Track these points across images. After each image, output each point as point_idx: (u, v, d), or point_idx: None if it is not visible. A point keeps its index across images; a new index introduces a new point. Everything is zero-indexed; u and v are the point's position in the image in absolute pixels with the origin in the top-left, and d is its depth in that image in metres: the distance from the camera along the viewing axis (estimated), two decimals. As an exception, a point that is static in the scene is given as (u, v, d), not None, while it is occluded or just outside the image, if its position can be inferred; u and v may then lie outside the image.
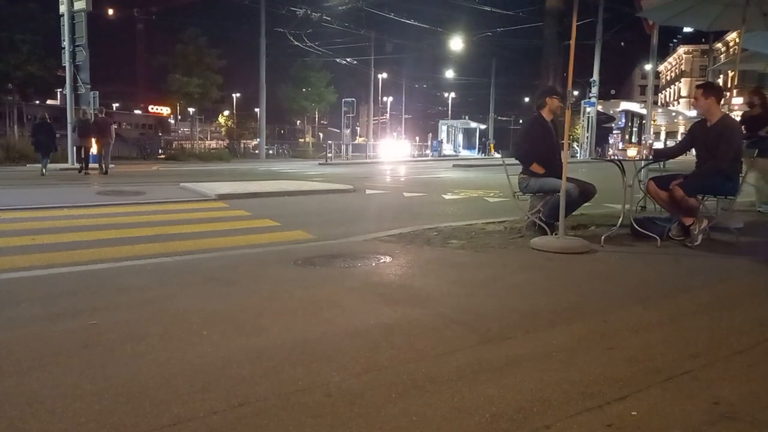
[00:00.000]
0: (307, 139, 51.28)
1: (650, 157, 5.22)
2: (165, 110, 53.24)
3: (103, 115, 17.26)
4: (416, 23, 33.75)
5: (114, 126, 17.40)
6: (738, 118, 6.57)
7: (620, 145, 5.37)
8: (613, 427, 1.77)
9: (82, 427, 1.74)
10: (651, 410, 1.88)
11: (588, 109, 34.22)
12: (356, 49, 42.73)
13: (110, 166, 16.69)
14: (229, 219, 7.18)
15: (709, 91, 4.99)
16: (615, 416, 1.84)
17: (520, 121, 48.04)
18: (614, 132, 35.52)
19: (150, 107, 56.40)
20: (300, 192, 10.60)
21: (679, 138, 35.51)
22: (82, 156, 16.56)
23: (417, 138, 52.96)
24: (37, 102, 39.23)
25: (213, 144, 45.47)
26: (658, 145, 31.72)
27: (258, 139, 38.86)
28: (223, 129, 67.08)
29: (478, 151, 46.56)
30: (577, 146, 36.20)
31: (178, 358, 2.28)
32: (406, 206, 9.04)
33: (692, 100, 5.36)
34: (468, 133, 49.13)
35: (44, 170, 15.28)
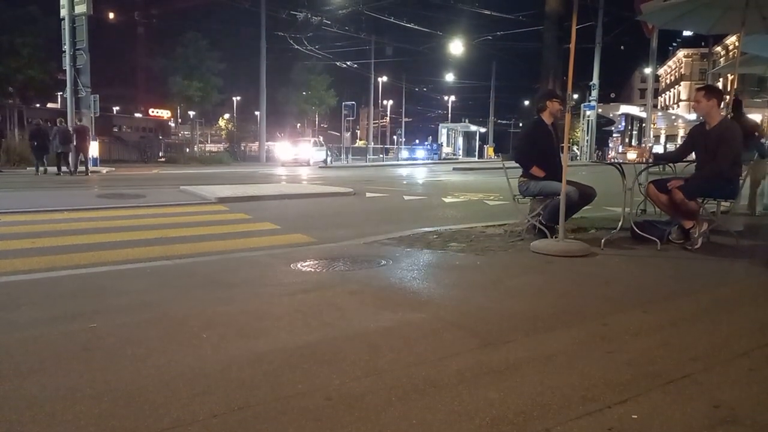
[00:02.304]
0: (307, 142, 51.22)
1: (650, 160, 5.21)
2: (165, 113, 53.24)
3: (82, 123, 18.91)
4: (416, 27, 33.82)
5: (91, 132, 19.05)
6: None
7: (620, 149, 5.38)
8: (613, 430, 1.77)
9: (81, 431, 1.73)
10: (651, 414, 1.88)
11: (588, 113, 34.32)
12: (356, 52, 42.88)
13: (85, 168, 18.02)
14: (229, 222, 7.18)
15: (710, 93, 4.98)
16: (615, 420, 1.83)
17: (520, 125, 48.19)
18: (614, 135, 35.64)
19: (150, 110, 56.40)
20: (300, 195, 10.61)
21: (679, 141, 35.59)
22: (65, 160, 17.87)
23: (417, 140, 53.04)
24: (38, 105, 39.25)
25: (213, 147, 45.46)
26: (658, 148, 31.77)
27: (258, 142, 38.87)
28: (223, 132, 67.09)
29: (478, 155, 46.59)
30: (577, 149, 36.24)
31: (178, 362, 2.28)
32: (406, 209, 9.05)
33: (693, 102, 5.35)
34: (468, 137, 49.18)
35: (40, 171, 17.03)
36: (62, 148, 17.33)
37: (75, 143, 17.62)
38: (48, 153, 17.55)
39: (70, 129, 18.06)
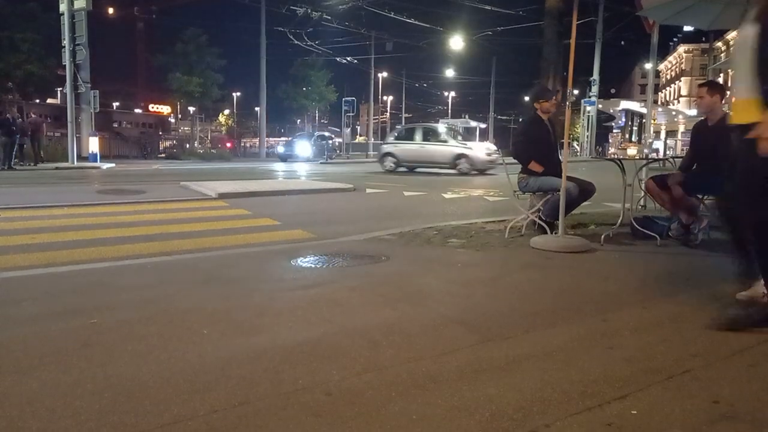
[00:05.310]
0: (307, 138, 51.18)
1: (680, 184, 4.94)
2: (165, 109, 53.12)
3: (36, 116, 21.07)
4: (416, 22, 33.75)
5: (44, 124, 20.99)
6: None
7: (620, 144, 5.37)
8: (613, 426, 1.77)
9: (82, 426, 1.74)
10: (651, 409, 1.88)
11: (588, 108, 34.29)
12: (356, 48, 42.80)
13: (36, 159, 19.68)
14: (229, 218, 7.18)
15: (713, 89, 4.96)
16: (615, 415, 1.84)
17: (520, 120, 48.04)
18: (614, 131, 35.62)
19: (150, 106, 56.25)
20: (300, 191, 10.61)
21: (679, 137, 35.50)
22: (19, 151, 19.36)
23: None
24: (38, 101, 39.23)
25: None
26: (658, 144, 31.73)
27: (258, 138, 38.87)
28: (223, 128, 67.06)
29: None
30: (577, 145, 36.23)
31: (179, 357, 2.28)
32: (406, 205, 9.04)
33: (696, 98, 5.33)
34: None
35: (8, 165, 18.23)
36: (21, 140, 18.95)
37: (31, 135, 19.21)
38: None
39: (26, 123, 19.60)
